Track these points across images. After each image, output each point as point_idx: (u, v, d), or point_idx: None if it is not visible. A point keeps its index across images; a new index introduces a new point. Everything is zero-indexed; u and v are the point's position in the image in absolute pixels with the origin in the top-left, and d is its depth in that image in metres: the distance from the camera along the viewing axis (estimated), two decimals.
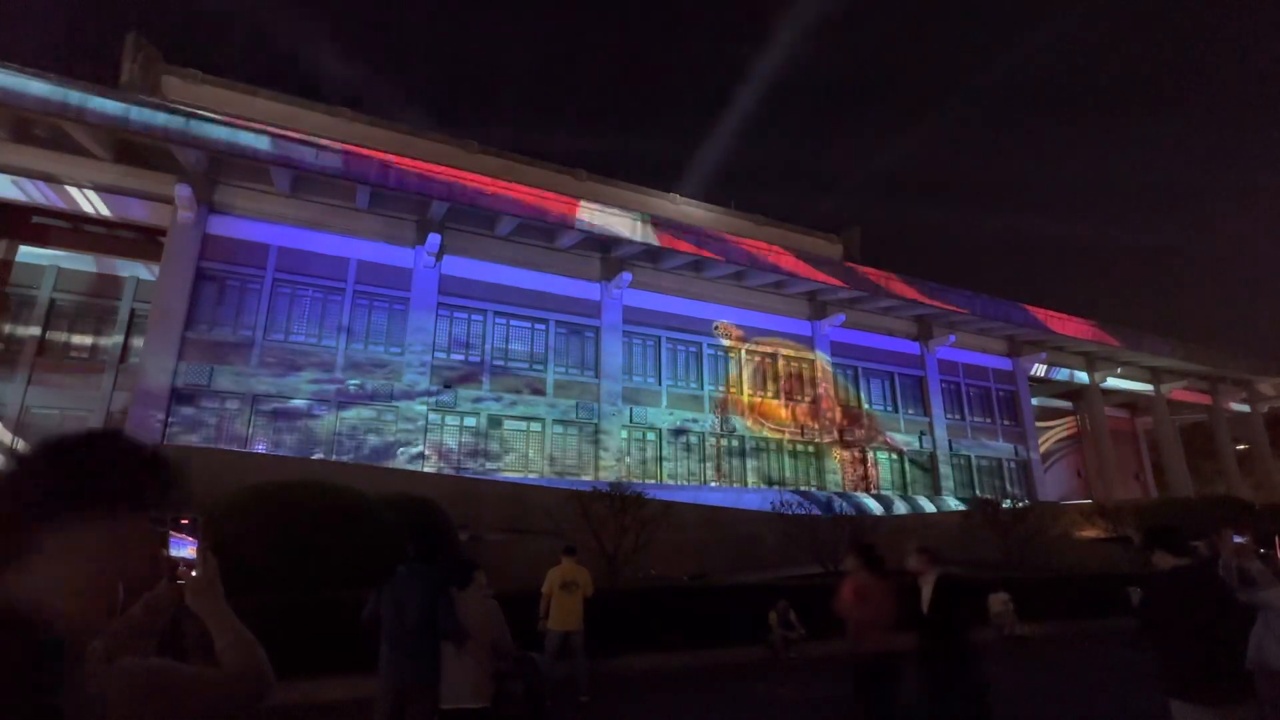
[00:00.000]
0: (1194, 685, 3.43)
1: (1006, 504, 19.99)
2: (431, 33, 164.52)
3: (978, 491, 28.85)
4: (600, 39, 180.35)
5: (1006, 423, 33.40)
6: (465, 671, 4.47)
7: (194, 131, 17.62)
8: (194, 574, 1.64)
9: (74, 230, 19.73)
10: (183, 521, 1.70)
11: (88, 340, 20.13)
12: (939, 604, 4.78)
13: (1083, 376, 36.30)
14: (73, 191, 18.28)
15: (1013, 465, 32.88)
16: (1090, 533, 21.91)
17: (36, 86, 16.18)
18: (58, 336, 19.75)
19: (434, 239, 21.23)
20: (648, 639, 9.79)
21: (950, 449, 30.80)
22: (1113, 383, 37.53)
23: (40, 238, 19.48)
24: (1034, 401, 38.89)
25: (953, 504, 27.71)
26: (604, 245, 23.93)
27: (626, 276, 24.14)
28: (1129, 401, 41.76)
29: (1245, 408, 41.98)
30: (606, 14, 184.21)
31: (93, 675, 1.30)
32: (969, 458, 31.58)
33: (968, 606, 5.35)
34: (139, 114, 17.13)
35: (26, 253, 19.52)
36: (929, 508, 27.65)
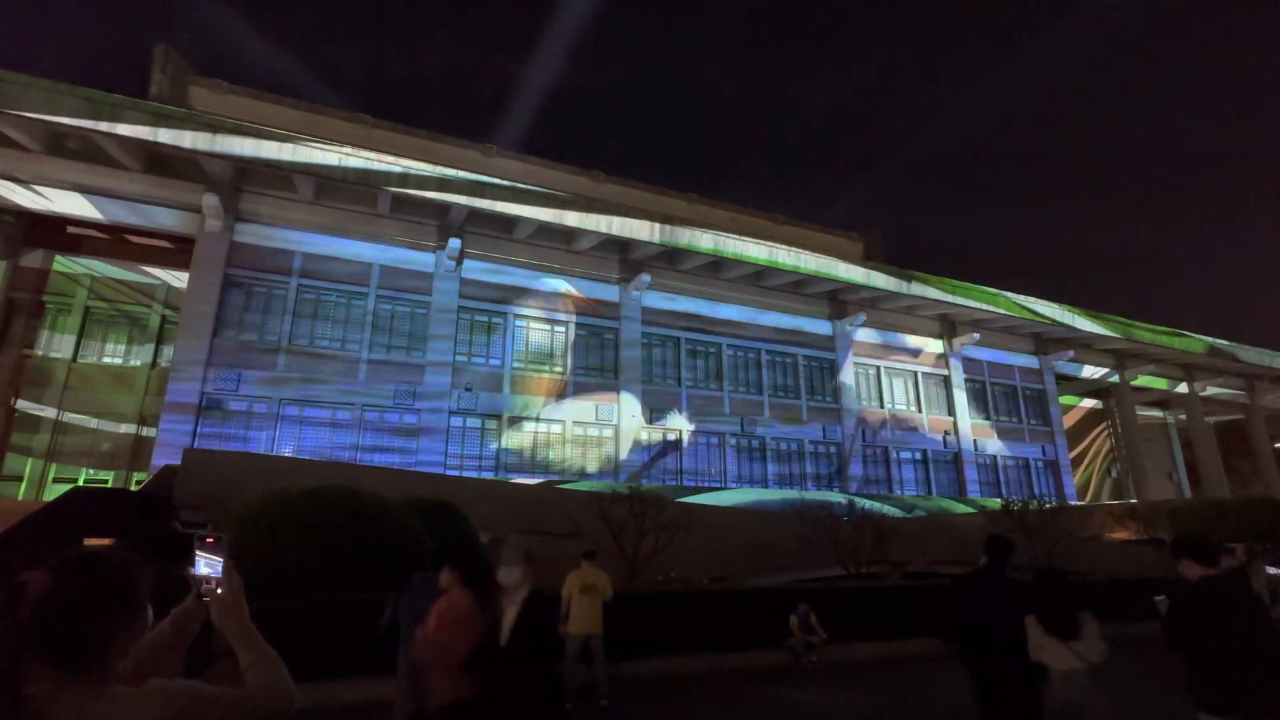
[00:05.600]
0: (1222, 698, 3.35)
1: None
2: (451, 38, 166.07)
3: (1004, 492, 28.39)
4: (619, 42, 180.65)
5: (1033, 422, 32.84)
6: None
7: (220, 142, 18.04)
8: (219, 591, 1.70)
9: (107, 240, 20.30)
10: (208, 540, 1.75)
11: (120, 347, 20.67)
12: (523, 631, 3.37)
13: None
14: (105, 202, 18.82)
15: (1040, 465, 32.32)
16: (1122, 535, 21.43)
17: (69, 101, 16.67)
18: (91, 344, 20.32)
19: (454, 243, 21.52)
20: (668, 642, 9.79)
21: (975, 449, 30.35)
22: (1144, 380, 36.69)
23: (74, 248, 20.08)
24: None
25: (975, 506, 27.28)
26: (621, 247, 24.07)
27: (645, 278, 24.23)
28: (1161, 399, 40.76)
29: None
30: (624, 19, 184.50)
31: (123, 696, 1.35)
32: (995, 457, 31.10)
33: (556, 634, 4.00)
34: (168, 126, 17.58)
35: (62, 262, 20.13)
36: (953, 509, 27.26)
